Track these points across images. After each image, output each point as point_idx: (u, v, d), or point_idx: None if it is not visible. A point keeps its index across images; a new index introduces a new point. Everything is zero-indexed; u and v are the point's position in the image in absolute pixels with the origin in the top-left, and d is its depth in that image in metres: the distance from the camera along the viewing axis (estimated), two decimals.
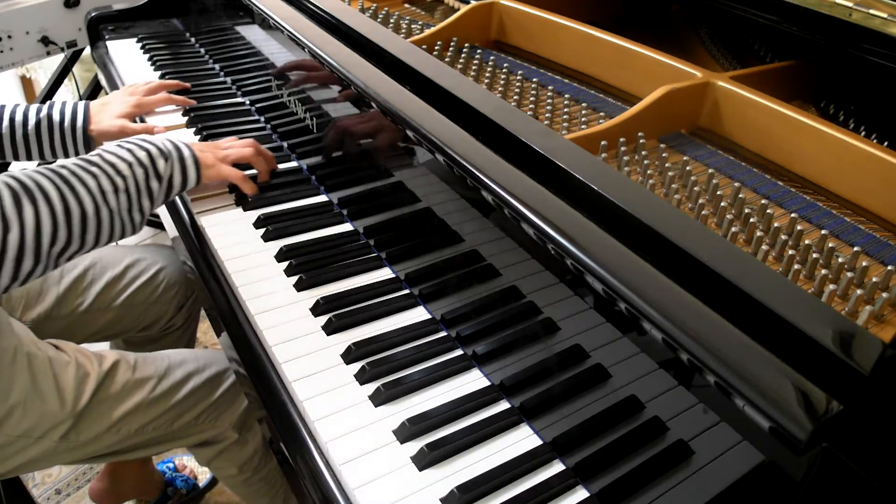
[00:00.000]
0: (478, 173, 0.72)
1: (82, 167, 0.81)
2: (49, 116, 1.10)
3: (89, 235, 0.80)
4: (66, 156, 1.14)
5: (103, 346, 1.31)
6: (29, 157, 1.13)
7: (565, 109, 0.95)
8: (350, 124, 0.99)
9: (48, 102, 1.12)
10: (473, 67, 1.06)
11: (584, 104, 0.98)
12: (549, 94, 1.01)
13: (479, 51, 1.14)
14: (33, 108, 1.11)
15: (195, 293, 1.24)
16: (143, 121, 1.26)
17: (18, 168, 0.78)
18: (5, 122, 1.09)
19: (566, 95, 0.98)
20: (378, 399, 0.74)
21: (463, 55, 1.09)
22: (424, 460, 0.68)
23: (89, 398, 0.90)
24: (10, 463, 0.89)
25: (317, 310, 0.86)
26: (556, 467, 0.69)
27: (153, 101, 1.25)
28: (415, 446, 0.70)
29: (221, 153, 1.02)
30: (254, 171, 1.07)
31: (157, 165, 0.89)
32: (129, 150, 0.87)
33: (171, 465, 1.50)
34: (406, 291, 0.89)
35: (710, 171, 0.83)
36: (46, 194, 0.76)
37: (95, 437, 0.93)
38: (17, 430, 0.86)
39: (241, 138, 1.09)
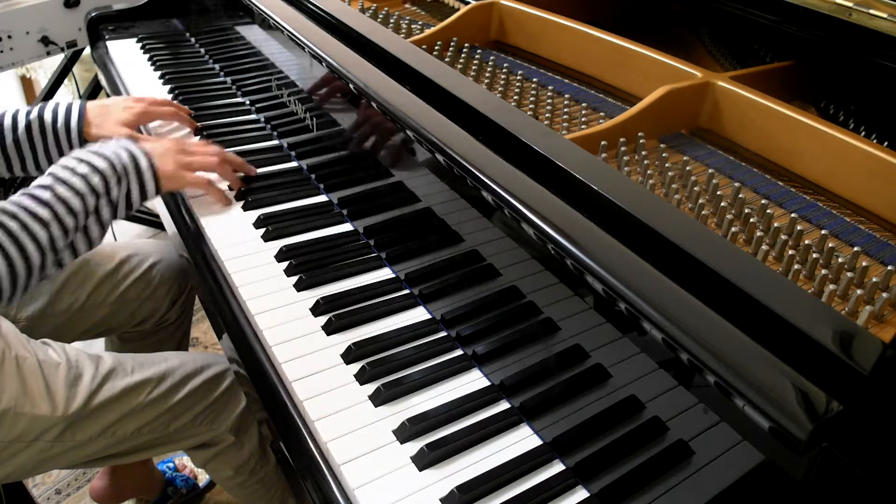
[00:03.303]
0: (478, 173, 0.72)
1: (33, 215, 0.79)
2: (40, 118, 1.02)
3: (33, 280, 0.80)
4: (68, 145, 1.06)
5: (98, 344, 1.32)
6: (23, 168, 1.05)
7: (565, 109, 0.95)
8: (349, 123, 0.99)
9: (40, 104, 1.05)
10: (473, 67, 1.06)
11: (584, 104, 0.98)
12: (549, 94, 1.01)
13: (479, 51, 1.14)
14: (23, 110, 1.03)
15: (189, 288, 1.24)
16: (148, 132, 1.22)
17: None
18: None
19: (566, 95, 0.98)
20: (378, 399, 0.74)
21: (463, 55, 1.09)
22: (424, 460, 0.68)
23: (84, 401, 0.89)
24: (5, 468, 0.89)
25: (317, 310, 0.86)
26: (556, 467, 0.69)
27: (160, 112, 1.17)
28: (415, 446, 0.70)
29: (185, 159, 0.98)
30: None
31: (110, 190, 0.87)
32: (84, 177, 0.84)
33: (171, 464, 1.50)
34: (406, 291, 0.89)
35: (710, 171, 0.83)
36: None
37: (90, 440, 0.92)
38: (8, 436, 0.86)
39: (213, 143, 1.06)
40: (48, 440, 0.89)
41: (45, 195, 0.81)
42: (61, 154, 1.03)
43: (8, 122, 1.02)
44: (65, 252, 0.83)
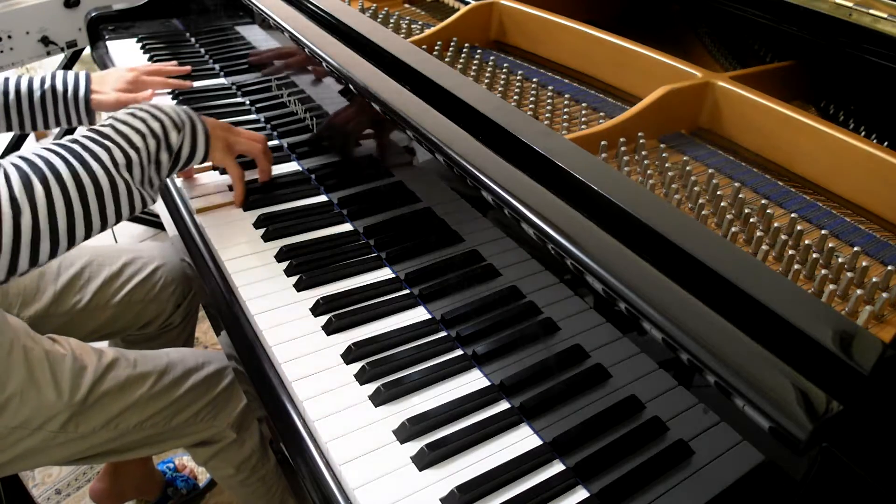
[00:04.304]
0: (478, 173, 0.71)
1: (94, 140, 0.79)
2: (53, 87, 1.14)
3: (108, 210, 0.78)
4: (69, 124, 1.18)
5: (102, 345, 1.32)
6: (34, 127, 1.16)
7: (565, 109, 0.95)
8: (349, 123, 0.99)
9: (50, 73, 1.15)
10: (473, 67, 1.06)
11: (584, 104, 0.98)
12: (549, 94, 1.01)
13: (479, 51, 1.14)
14: (37, 78, 1.14)
15: (193, 291, 1.24)
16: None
17: (30, 147, 0.76)
18: (11, 94, 1.11)
19: (566, 95, 0.98)
20: (378, 399, 0.74)
21: (463, 55, 1.09)
22: (424, 460, 0.68)
23: (87, 391, 0.91)
24: (8, 454, 0.89)
25: (317, 310, 0.86)
26: (556, 467, 0.69)
27: (151, 82, 1.26)
28: (415, 446, 0.70)
29: (232, 138, 1.01)
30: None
31: (169, 137, 0.87)
32: (143, 120, 0.85)
33: (171, 465, 1.50)
34: (406, 291, 0.89)
35: (710, 171, 0.83)
36: (57, 172, 0.73)
37: (93, 431, 0.93)
38: (13, 422, 0.87)
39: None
40: (52, 430, 0.90)
41: (106, 129, 0.82)
42: (69, 117, 1.16)
43: (24, 88, 1.13)
44: (135, 190, 0.82)
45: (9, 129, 1.14)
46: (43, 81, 1.14)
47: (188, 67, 1.36)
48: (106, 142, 0.80)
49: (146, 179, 0.84)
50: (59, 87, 1.14)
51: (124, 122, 0.84)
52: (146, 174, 0.84)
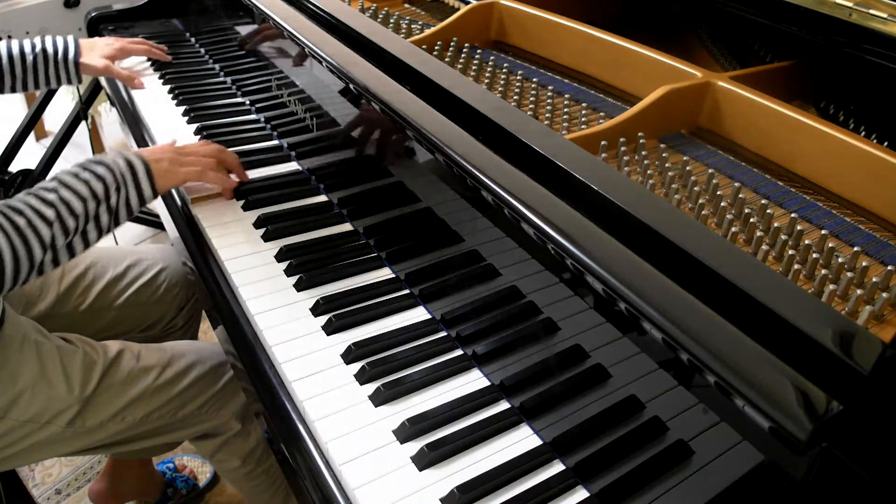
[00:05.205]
0: (478, 173, 0.71)
1: (38, 213, 0.81)
2: (44, 51, 1.25)
3: (33, 274, 0.82)
4: (58, 85, 1.30)
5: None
6: (25, 88, 1.26)
7: (565, 109, 0.95)
8: (349, 123, 0.99)
9: (38, 38, 1.26)
10: (473, 67, 1.06)
11: (584, 104, 0.98)
12: (549, 94, 1.01)
13: (479, 51, 1.14)
14: (27, 43, 1.24)
15: (196, 294, 1.24)
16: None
17: None
18: (4, 59, 1.22)
19: (566, 95, 0.98)
20: (378, 399, 0.74)
21: (463, 55, 1.09)
22: (424, 460, 0.68)
23: (96, 384, 0.92)
24: (16, 448, 0.90)
25: (317, 310, 0.86)
26: (556, 467, 0.69)
27: (135, 49, 1.40)
28: (415, 446, 0.70)
29: (181, 159, 0.99)
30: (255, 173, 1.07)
31: (109, 197, 0.89)
32: (86, 183, 0.86)
33: (171, 465, 1.50)
34: (406, 291, 0.89)
35: (710, 171, 0.83)
36: None
37: (101, 425, 0.94)
38: (24, 416, 0.87)
39: (207, 144, 1.07)
40: (61, 424, 0.90)
41: (51, 196, 0.84)
42: (58, 78, 1.28)
43: (16, 52, 1.23)
44: (62, 251, 0.86)
45: (2, 90, 1.23)
46: (34, 45, 1.23)
47: (168, 58, 1.47)
48: (48, 212, 0.82)
49: (80, 239, 0.87)
50: (50, 49, 1.25)
51: (68, 187, 0.85)
52: (83, 229, 0.87)
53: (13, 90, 1.25)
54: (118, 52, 1.35)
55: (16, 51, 1.22)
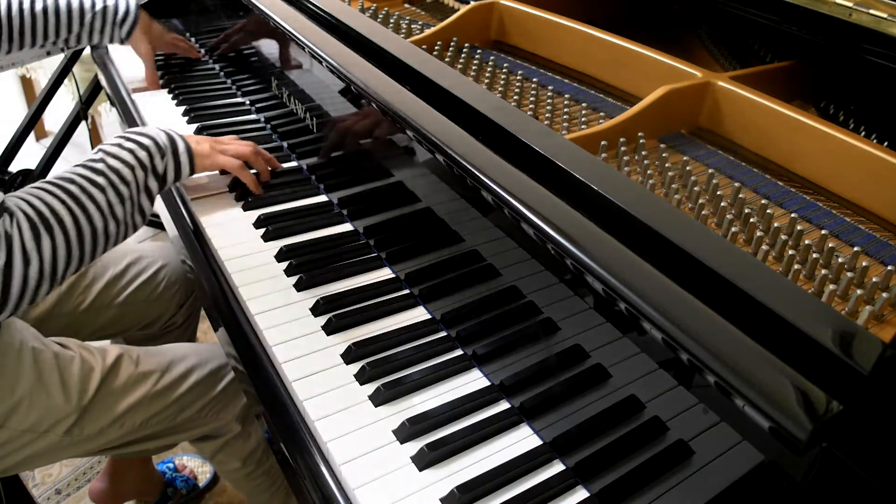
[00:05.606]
0: (478, 173, 0.71)
1: (90, 180, 0.83)
2: (105, 8, 1.27)
3: (98, 250, 0.83)
4: (111, 41, 1.31)
5: (104, 345, 1.32)
6: (79, 43, 1.29)
7: (565, 109, 0.95)
8: (350, 123, 0.99)
9: None
10: (473, 67, 1.06)
11: (584, 104, 0.98)
12: (549, 94, 1.01)
13: (479, 51, 1.14)
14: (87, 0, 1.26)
15: (195, 291, 1.24)
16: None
17: (28, 186, 0.80)
18: (64, 11, 1.23)
19: (566, 95, 0.98)
20: (378, 399, 0.74)
21: (463, 55, 1.09)
22: (424, 460, 0.68)
23: (94, 392, 0.91)
24: (15, 457, 0.89)
25: (317, 310, 0.86)
26: (556, 467, 0.69)
27: (180, 48, 1.46)
28: (415, 446, 0.70)
29: (219, 147, 1.03)
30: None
31: (155, 164, 0.91)
32: (131, 151, 0.88)
33: (171, 465, 1.50)
34: (406, 291, 0.89)
35: (710, 171, 0.83)
36: (61, 221, 0.78)
37: (100, 432, 0.93)
38: (22, 425, 0.87)
39: (241, 139, 1.09)
40: (59, 433, 0.90)
41: (99, 165, 0.85)
42: (110, 38, 1.30)
43: (75, 5, 1.24)
44: (124, 224, 0.87)
45: (61, 44, 1.27)
46: (94, 3, 1.26)
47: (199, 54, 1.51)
48: (100, 180, 0.83)
49: (136, 210, 0.88)
50: (111, 7, 1.27)
51: (114, 156, 0.87)
52: (136, 206, 0.88)
53: (67, 45, 1.27)
54: (165, 46, 1.41)
55: (75, 4, 1.23)
